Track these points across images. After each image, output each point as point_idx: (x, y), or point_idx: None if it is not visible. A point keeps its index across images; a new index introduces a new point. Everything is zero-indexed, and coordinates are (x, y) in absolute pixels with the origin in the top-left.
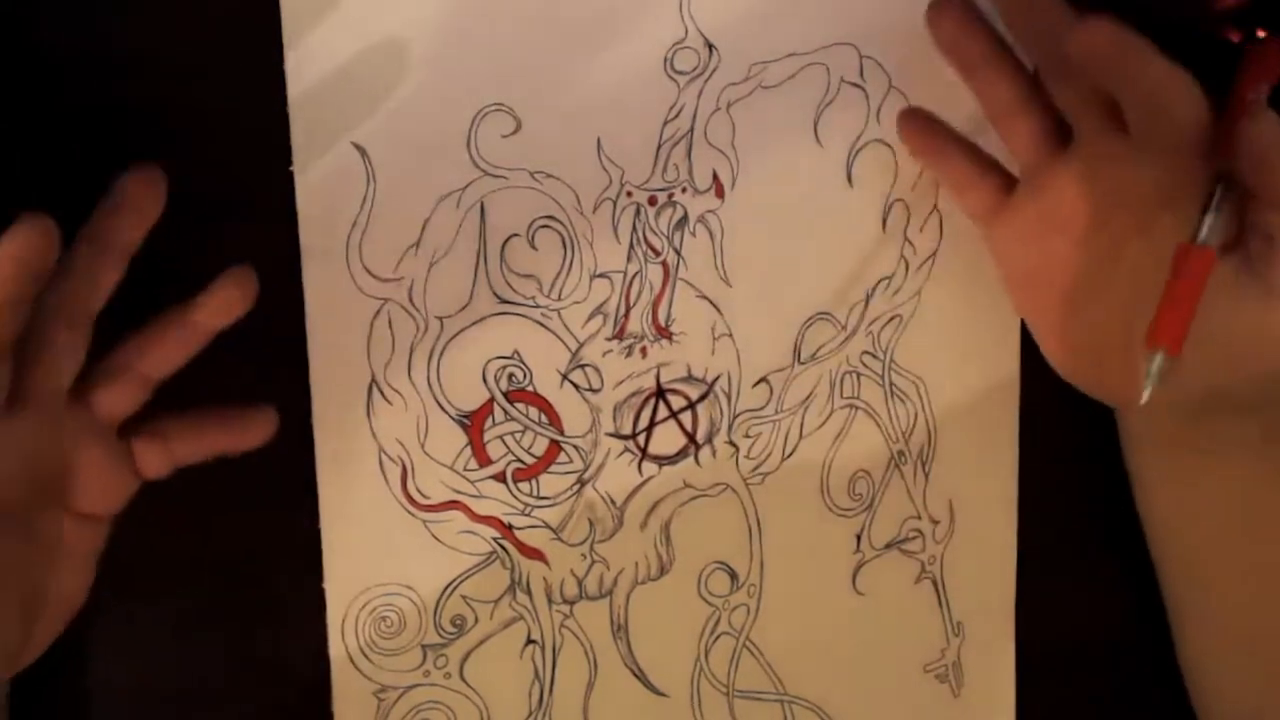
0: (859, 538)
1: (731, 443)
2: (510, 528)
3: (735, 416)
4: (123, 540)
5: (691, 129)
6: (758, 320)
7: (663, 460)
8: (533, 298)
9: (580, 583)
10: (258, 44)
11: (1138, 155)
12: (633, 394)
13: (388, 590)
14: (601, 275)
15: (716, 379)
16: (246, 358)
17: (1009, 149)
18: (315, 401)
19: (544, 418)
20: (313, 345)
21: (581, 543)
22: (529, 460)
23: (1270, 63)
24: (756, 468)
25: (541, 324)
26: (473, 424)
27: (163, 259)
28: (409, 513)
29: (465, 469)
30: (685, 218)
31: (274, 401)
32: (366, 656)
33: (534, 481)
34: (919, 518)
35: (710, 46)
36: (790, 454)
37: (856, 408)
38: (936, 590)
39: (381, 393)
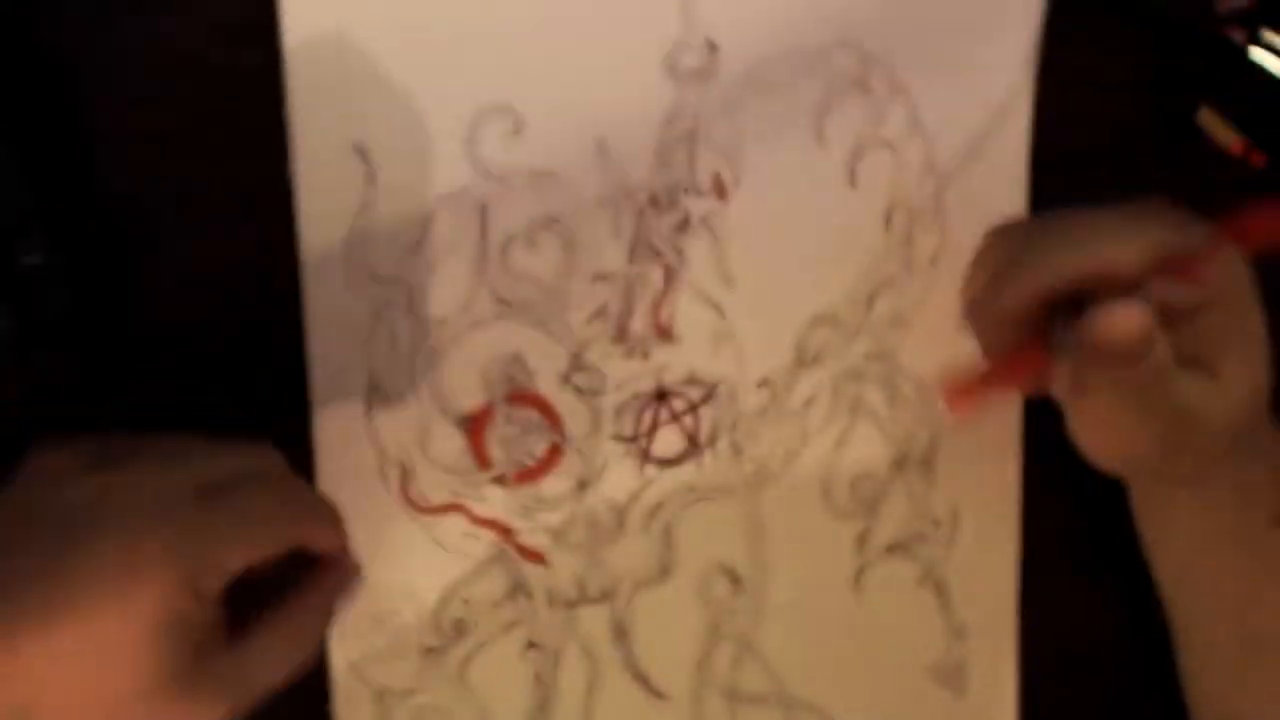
0: (861, 540)
1: (734, 445)
2: (511, 531)
3: (737, 419)
4: None
5: (693, 129)
6: (760, 322)
7: (664, 463)
8: (533, 300)
9: (581, 586)
10: (258, 44)
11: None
12: (634, 396)
13: (388, 593)
14: (602, 277)
15: (718, 381)
16: (247, 359)
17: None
18: (315, 403)
19: (545, 420)
20: (313, 346)
21: (583, 546)
22: (530, 463)
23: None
24: (759, 470)
25: (542, 326)
26: (473, 426)
27: (163, 259)
28: (409, 516)
29: (466, 472)
30: (687, 219)
31: (274, 402)
32: (367, 660)
33: (535, 484)
34: (922, 520)
35: (712, 46)
36: (793, 457)
37: (859, 410)
38: (939, 593)
39: (381, 395)
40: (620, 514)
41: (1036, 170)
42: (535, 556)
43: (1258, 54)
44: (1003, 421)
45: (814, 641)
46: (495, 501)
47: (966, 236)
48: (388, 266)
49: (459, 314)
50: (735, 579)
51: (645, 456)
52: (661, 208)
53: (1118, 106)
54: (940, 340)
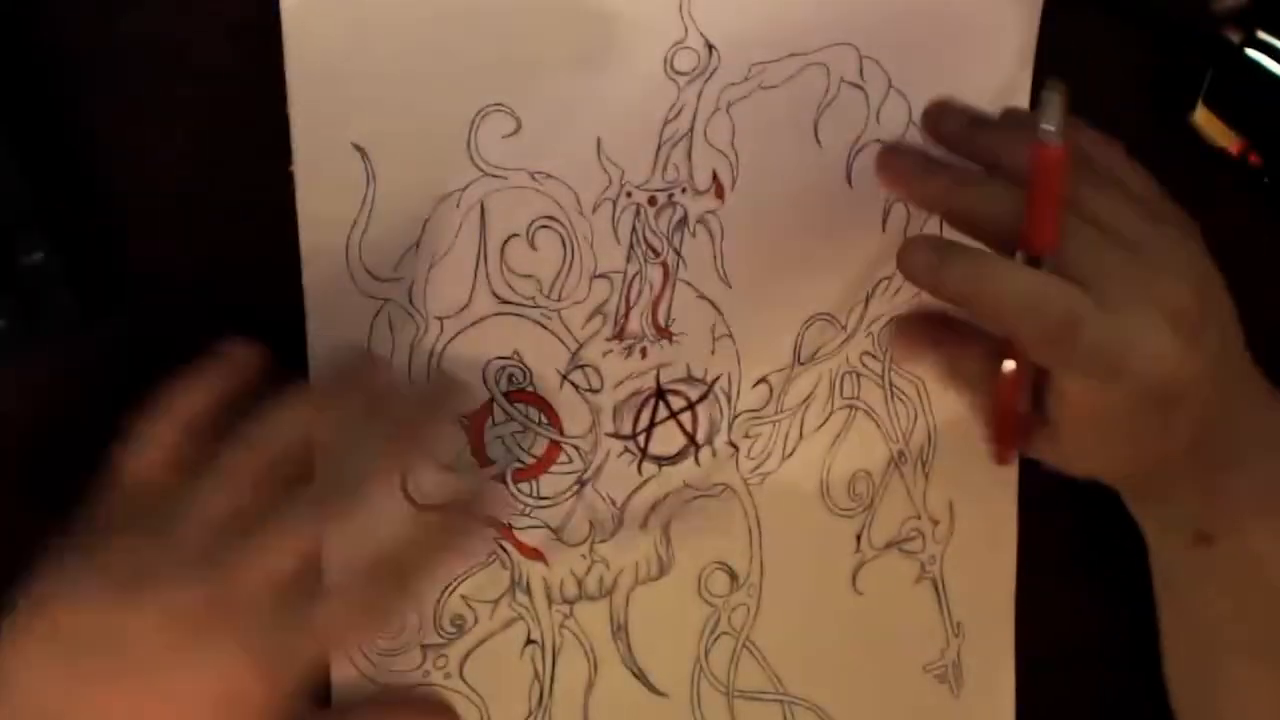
0: (859, 538)
1: (731, 443)
2: (510, 528)
3: (735, 417)
4: None
5: (691, 129)
6: (758, 320)
7: (663, 460)
8: (532, 298)
9: (580, 583)
10: (258, 44)
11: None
12: (633, 394)
13: None
14: (601, 276)
15: (716, 379)
16: None
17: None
18: None
19: (544, 418)
20: (313, 345)
21: (581, 543)
22: (529, 461)
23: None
24: (756, 468)
25: (541, 324)
26: (472, 424)
27: (163, 259)
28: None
29: (465, 469)
30: (685, 218)
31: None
32: (366, 656)
33: (534, 482)
34: (919, 518)
35: (710, 47)
36: (790, 454)
37: (856, 408)
38: (936, 590)
39: None
40: (619, 511)
41: None
42: (534, 554)
43: (1254, 54)
44: None
45: (812, 639)
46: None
47: (965, 236)
48: (388, 266)
49: (459, 313)
50: (733, 576)
51: (643, 454)
52: (660, 207)
53: (1115, 106)
54: None
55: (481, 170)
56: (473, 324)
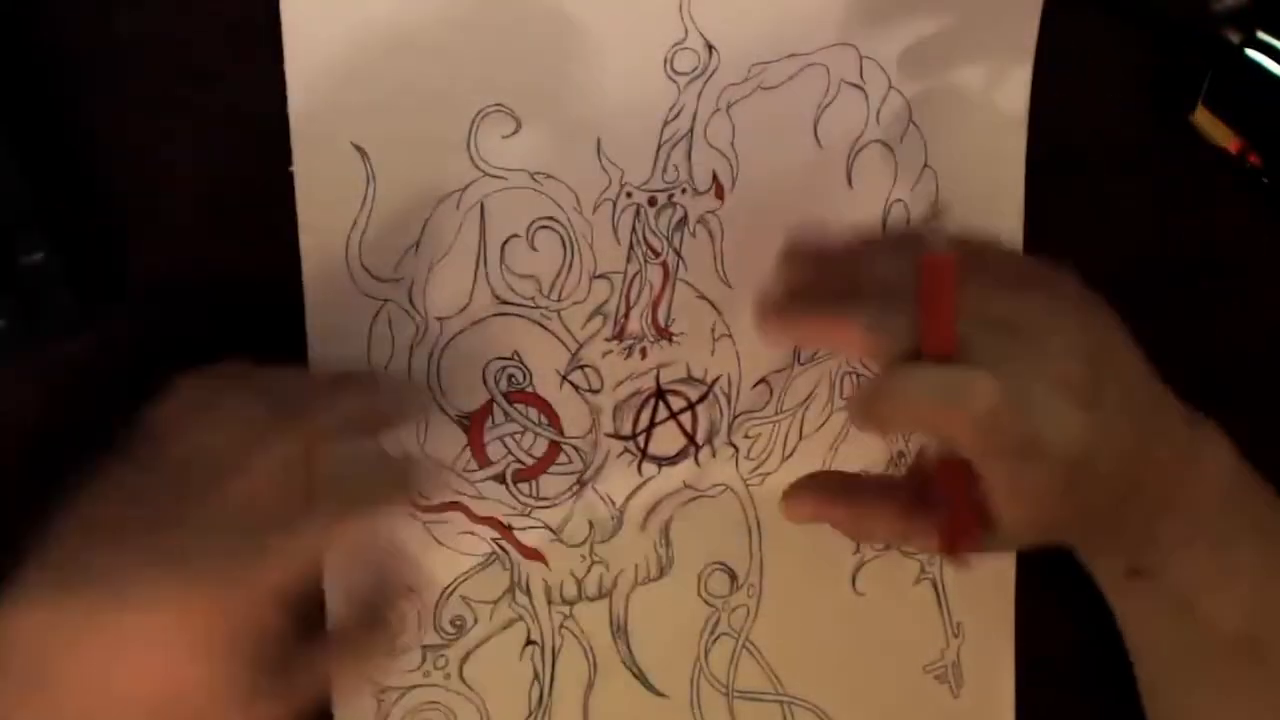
0: None
1: (731, 443)
2: (510, 528)
3: (735, 417)
4: None
5: (691, 130)
6: None
7: (662, 461)
8: (532, 298)
9: (580, 583)
10: (258, 44)
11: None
12: (632, 395)
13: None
14: (601, 276)
15: (716, 380)
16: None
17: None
18: None
19: (544, 419)
20: (313, 345)
21: (581, 543)
22: (529, 461)
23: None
24: (756, 468)
25: (541, 325)
26: (472, 425)
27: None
28: (409, 514)
29: (465, 470)
30: (685, 218)
31: None
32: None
33: (534, 482)
34: None
35: (710, 47)
36: (790, 455)
37: None
38: (936, 591)
39: None
40: (618, 512)
41: (1033, 168)
42: (534, 554)
43: (1254, 54)
44: None
45: (811, 639)
46: (494, 500)
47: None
48: (388, 266)
49: (458, 313)
50: (733, 576)
51: (643, 454)
52: (660, 207)
53: (1115, 105)
54: None
55: (481, 170)
56: (473, 324)
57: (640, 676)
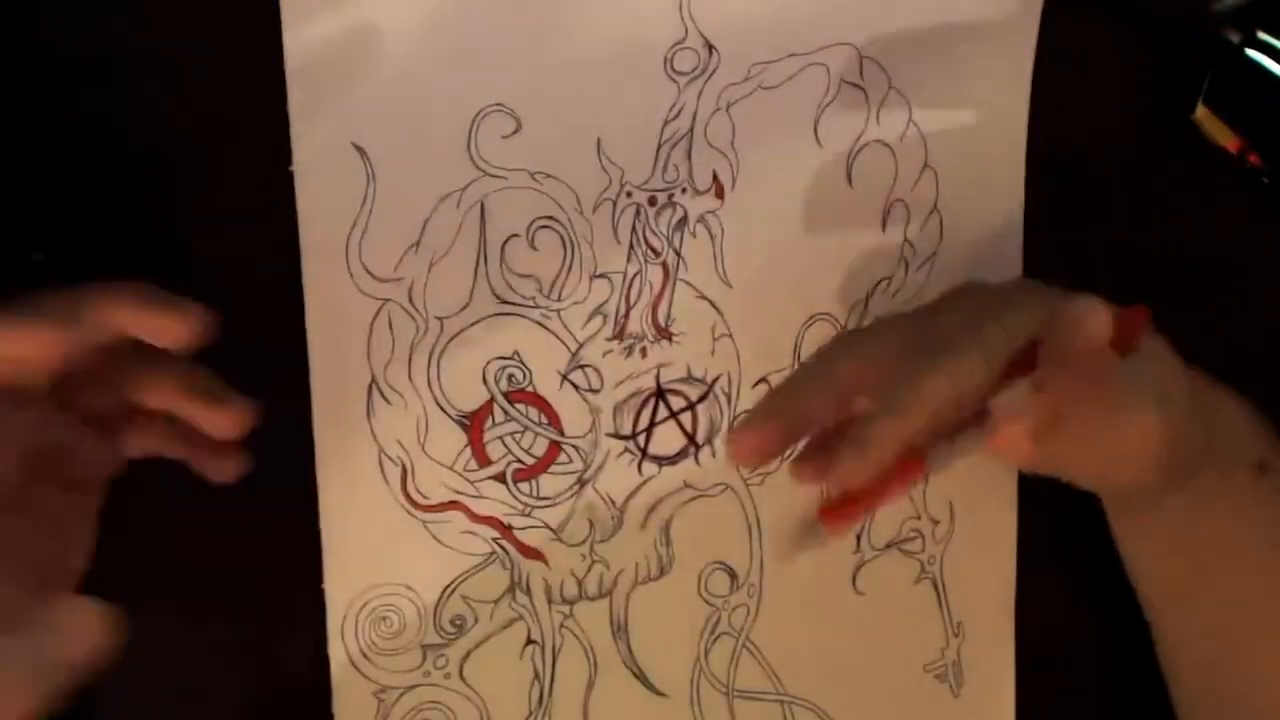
0: (859, 538)
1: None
2: (510, 528)
3: (735, 417)
4: (123, 540)
5: (691, 129)
6: (757, 321)
7: (663, 460)
8: (532, 298)
9: (580, 583)
10: (258, 44)
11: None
12: (633, 394)
13: (387, 591)
14: (601, 276)
15: (716, 379)
16: (246, 358)
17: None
18: (315, 402)
19: (544, 418)
20: (313, 345)
21: (581, 543)
22: (529, 461)
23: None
24: (756, 468)
25: (541, 324)
26: (473, 424)
27: (162, 259)
28: (409, 513)
29: (465, 469)
30: (685, 218)
31: (274, 401)
32: (366, 657)
33: (534, 482)
34: (919, 518)
35: (710, 47)
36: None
37: None
38: (936, 590)
39: (381, 393)
40: (619, 511)
41: (1033, 168)
42: (534, 554)
43: (1254, 54)
44: None
45: (812, 639)
46: (494, 499)
47: (964, 235)
48: (388, 266)
49: (459, 313)
50: (733, 576)
51: (643, 454)
52: (660, 207)
53: (1115, 105)
54: None
55: (481, 170)
56: (473, 324)
57: (640, 676)
